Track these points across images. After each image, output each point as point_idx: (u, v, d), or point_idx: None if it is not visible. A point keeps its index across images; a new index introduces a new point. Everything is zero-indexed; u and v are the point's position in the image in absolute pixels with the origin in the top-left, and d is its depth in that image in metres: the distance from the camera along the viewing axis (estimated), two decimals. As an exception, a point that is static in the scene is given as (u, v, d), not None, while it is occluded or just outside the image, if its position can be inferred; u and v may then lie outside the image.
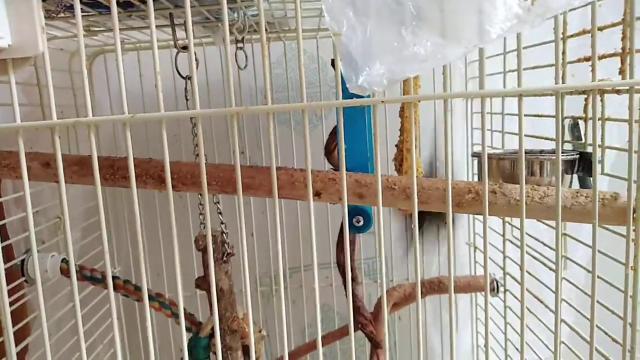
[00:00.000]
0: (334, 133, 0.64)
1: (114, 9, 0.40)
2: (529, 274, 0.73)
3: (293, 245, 0.93)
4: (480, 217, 0.95)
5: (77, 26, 0.40)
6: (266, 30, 0.81)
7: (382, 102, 0.41)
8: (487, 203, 0.44)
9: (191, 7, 0.59)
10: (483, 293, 0.91)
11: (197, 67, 0.61)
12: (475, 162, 0.62)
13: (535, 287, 0.73)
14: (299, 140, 0.90)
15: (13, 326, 0.59)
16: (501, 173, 0.56)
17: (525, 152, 0.59)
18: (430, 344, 0.99)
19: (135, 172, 0.53)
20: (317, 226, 0.91)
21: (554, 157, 0.55)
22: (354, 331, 0.81)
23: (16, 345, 0.56)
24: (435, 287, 0.83)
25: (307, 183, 0.44)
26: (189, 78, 0.61)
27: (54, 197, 0.75)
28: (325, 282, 0.96)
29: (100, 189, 0.46)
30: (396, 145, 0.59)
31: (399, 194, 0.49)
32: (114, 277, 0.66)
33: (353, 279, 0.79)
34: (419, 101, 0.42)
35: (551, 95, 0.64)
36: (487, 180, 0.44)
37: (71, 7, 0.56)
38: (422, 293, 0.84)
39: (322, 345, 0.89)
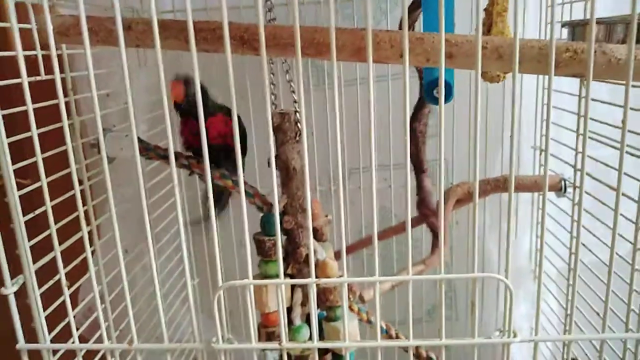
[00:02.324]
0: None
1: None
2: (606, 165, 0.71)
3: (352, 144, 0.92)
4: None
5: None
6: None
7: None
8: (592, 60, 0.41)
9: None
10: (549, 194, 0.89)
11: None
12: (565, 32, 0.58)
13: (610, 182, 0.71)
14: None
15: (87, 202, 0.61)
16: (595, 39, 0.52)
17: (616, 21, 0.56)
18: (487, 248, 0.99)
19: (215, 35, 0.52)
20: (378, 125, 0.90)
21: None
22: (418, 224, 0.82)
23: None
24: (500, 185, 0.81)
25: (403, 42, 0.42)
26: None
27: (122, 83, 0.76)
28: (384, 184, 0.96)
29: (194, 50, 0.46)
30: (485, 9, 0.56)
31: (491, 54, 0.47)
32: (188, 157, 0.67)
33: (423, 171, 0.78)
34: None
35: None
36: (593, 31, 0.41)
37: None
38: (486, 191, 0.83)
39: (380, 240, 0.90)
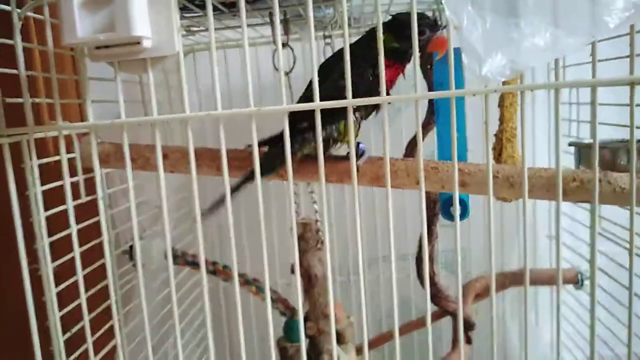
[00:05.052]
0: (423, 127, 0.66)
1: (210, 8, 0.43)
2: (620, 265, 0.72)
3: (371, 235, 0.95)
4: (563, 209, 0.94)
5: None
6: (349, 25, 0.83)
7: (495, 91, 0.42)
8: (597, 191, 0.44)
9: (290, 5, 0.62)
10: (566, 286, 0.90)
11: (294, 63, 0.64)
12: (567, 154, 0.62)
13: (623, 279, 0.72)
14: (378, 135, 0.92)
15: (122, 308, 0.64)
16: (600, 162, 0.56)
17: (622, 141, 0.59)
18: (509, 337, 0.99)
19: (244, 163, 0.56)
20: (396, 217, 0.93)
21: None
22: (442, 317, 0.83)
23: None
24: (518, 278, 0.83)
25: (418, 170, 0.46)
26: (287, 74, 0.64)
27: (152, 190, 0.80)
28: (403, 274, 0.98)
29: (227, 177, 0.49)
30: (495, 135, 0.60)
31: (502, 182, 0.50)
32: (214, 262, 0.70)
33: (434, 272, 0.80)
34: (532, 90, 0.42)
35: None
36: (597, 168, 0.44)
37: (182, 9, 0.61)
38: (505, 285, 0.84)
39: (401, 334, 0.91)
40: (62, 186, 0.55)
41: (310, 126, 0.50)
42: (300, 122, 0.51)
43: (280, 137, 0.47)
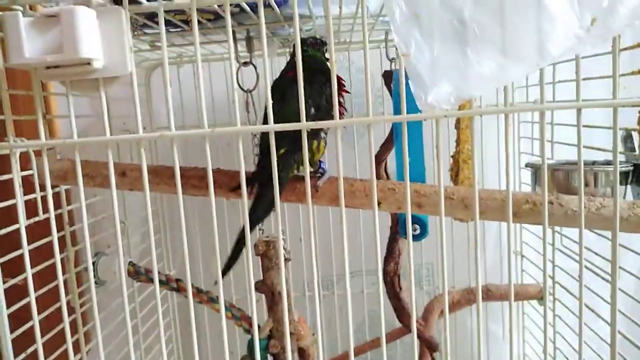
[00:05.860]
0: (385, 144, 0.66)
1: (162, 27, 0.43)
2: (574, 278, 0.74)
3: (340, 251, 0.95)
4: (528, 226, 0.95)
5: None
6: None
7: (445, 116, 0.43)
8: (546, 213, 0.45)
9: (252, 24, 0.62)
10: (530, 301, 0.92)
11: (257, 81, 0.64)
12: (528, 172, 0.63)
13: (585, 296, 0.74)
14: (345, 151, 0.92)
15: (83, 325, 0.63)
16: (556, 184, 0.57)
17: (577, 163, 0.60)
18: (474, 351, 1.00)
19: (203, 182, 0.56)
20: (364, 233, 0.94)
21: (608, 169, 0.56)
22: (406, 334, 0.83)
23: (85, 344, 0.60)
24: (483, 294, 0.84)
25: (372, 192, 0.46)
26: (250, 91, 0.64)
27: (118, 204, 0.79)
28: (373, 288, 0.98)
29: (179, 194, 0.49)
30: (452, 156, 0.61)
31: (458, 204, 0.51)
32: (177, 280, 0.70)
33: (400, 287, 0.80)
34: (481, 115, 0.43)
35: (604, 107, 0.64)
36: (546, 193, 0.45)
37: (143, 26, 0.61)
38: (470, 301, 0.85)
39: (369, 350, 0.91)
40: (27, 202, 0.54)
41: (289, 150, 0.52)
42: (278, 148, 0.49)
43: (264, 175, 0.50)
